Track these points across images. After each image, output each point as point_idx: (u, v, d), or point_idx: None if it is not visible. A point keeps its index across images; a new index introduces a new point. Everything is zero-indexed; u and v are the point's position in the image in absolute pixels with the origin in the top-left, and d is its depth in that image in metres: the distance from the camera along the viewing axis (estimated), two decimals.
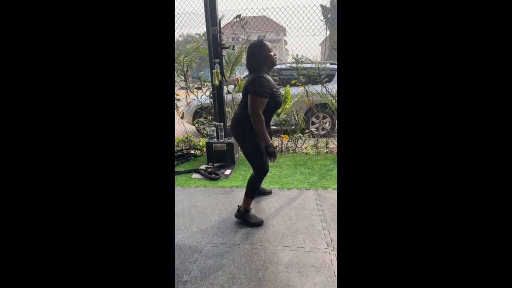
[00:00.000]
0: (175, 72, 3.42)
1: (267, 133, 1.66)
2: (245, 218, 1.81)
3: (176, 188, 2.40)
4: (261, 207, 2.02)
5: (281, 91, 3.18)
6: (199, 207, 2.06)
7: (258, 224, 1.79)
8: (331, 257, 1.46)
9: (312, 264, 1.42)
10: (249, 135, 1.68)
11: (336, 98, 3.14)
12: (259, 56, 1.62)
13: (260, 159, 1.70)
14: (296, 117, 3.32)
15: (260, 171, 1.75)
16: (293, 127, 3.33)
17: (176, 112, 3.56)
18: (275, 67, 1.72)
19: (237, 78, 3.36)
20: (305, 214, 1.90)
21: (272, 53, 1.65)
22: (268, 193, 2.23)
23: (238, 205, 1.87)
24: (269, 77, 1.63)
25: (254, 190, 1.78)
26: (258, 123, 1.57)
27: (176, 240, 1.66)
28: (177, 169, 2.85)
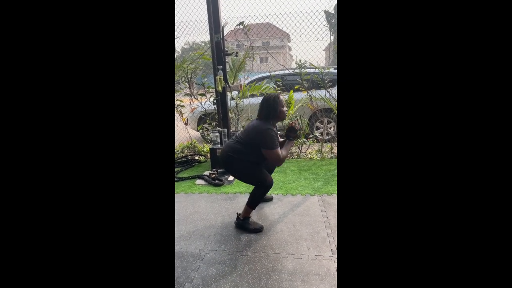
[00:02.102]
0: (180, 79, 3.45)
1: (282, 144, 1.83)
2: (244, 226, 1.79)
3: (179, 194, 2.40)
4: (264, 214, 2.00)
5: (285, 96, 3.21)
6: (202, 213, 2.05)
7: (258, 230, 1.76)
8: (336, 265, 1.43)
9: (316, 272, 1.39)
10: (240, 160, 1.74)
11: None
12: (273, 110, 1.74)
13: (259, 175, 1.73)
14: (300, 122, 3.30)
15: (262, 185, 1.74)
16: (297, 132, 3.31)
17: (180, 119, 3.59)
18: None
19: (241, 84, 3.37)
20: (309, 221, 1.87)
21: (284, 109, 1.78)
22: (269, 200, 2.20)
23: (237, 213, 1.85)
24: (274, 129, 1.76)
25: (256, 202, 1.77)
26: (284, 159, 1.76)
27: (178, 247, 1.65)
28: (181, 175, 2.85)
